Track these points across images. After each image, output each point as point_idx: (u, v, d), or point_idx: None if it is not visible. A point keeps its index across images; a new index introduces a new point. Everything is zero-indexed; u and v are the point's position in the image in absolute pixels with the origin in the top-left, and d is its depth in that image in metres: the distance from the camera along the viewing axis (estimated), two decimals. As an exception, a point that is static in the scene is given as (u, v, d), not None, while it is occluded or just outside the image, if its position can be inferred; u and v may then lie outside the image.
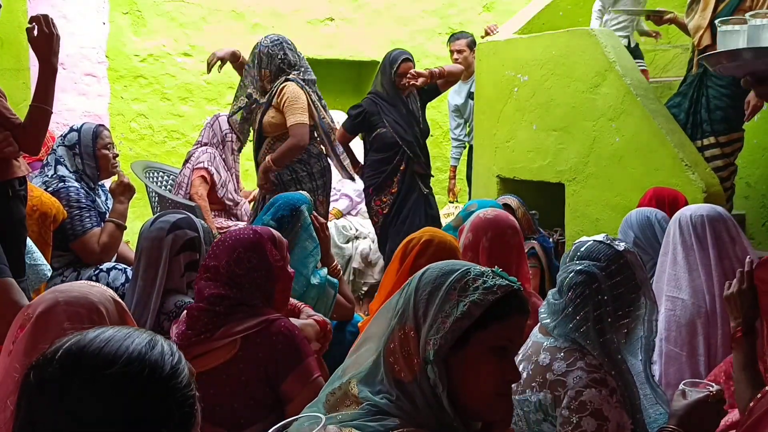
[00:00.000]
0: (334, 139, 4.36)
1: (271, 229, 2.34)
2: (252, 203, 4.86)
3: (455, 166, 6.19)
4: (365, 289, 5.24)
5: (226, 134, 5.04)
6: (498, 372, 1.37)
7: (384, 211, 4.78)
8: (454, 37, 5.78)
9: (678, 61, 5.43)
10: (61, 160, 3.38)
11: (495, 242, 2.50)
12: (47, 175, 3.35)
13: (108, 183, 3.61)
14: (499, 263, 2.43)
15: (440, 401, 1.35)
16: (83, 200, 3.31)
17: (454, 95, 5.99)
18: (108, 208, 3.48)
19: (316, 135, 4.27)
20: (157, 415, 0.96)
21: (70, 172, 3.37)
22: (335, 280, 2.97)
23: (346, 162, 4.42)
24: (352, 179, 4.61)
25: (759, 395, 1.73)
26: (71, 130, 3.48)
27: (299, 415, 1.31)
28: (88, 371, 0.95)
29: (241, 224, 4.79)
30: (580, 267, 1.87)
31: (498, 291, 1.36)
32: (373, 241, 5.16)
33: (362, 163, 4.95)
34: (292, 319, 2.26)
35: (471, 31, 5.89)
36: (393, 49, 4.99)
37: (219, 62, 4.45)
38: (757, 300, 2.00)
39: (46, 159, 3.44)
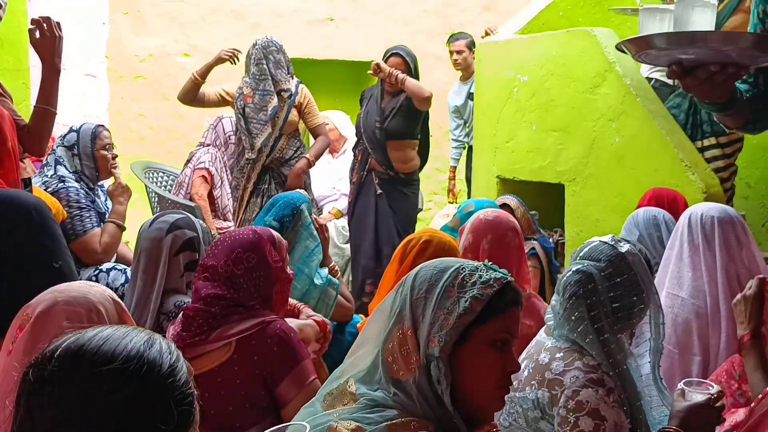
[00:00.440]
0: None
1: (271, 230, 2.34)
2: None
3: (455, 167, 6.19)
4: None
5: (229, 136, 5.07)
6: (499, 365, 1.39)
7: (350, 199, 4.92)
8: (453, 38, 5.78)
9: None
10: (61, 160, 3.38)
11: (495, 244, 2.50)
12: (47, 175, 3.35)
13: (107, 183, 3.61)
14: (499, 265, 2.45)
15: (440, 398, 1.36)
16: (83, 200, 3.31)
17: (453, 96, 5.99)
18: (107, 208, 3.48)
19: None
20: (155, 413, 0.96)
21: (70, 172, 3.36)
22: (336, 281, 2.97)
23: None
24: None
25: (760, 396, 1.73)
26: (71, 130, 3.48)
27: (283, 425, 1.32)
28: (87, 369, 0.95)
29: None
30: (578, 267, 1.87)
31: (495, 284, 1.39)
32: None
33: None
34: (291, 320, 2.26)
35: (471, 32, 5.90)
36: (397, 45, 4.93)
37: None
38: (762, 307, 2.02)
39: (46, 159, 3.44)
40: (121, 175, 3.54)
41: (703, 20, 1.59)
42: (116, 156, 3.54)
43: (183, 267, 2.53)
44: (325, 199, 5.62)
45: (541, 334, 1.95)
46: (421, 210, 6.18)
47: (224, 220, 5.03)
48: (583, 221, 4.08)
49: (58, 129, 2.93)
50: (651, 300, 1.87)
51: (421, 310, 1.38)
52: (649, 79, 4.02)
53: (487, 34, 5.44)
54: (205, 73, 4.47)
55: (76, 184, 3.33)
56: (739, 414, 2.00)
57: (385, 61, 4.67)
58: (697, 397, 1.76)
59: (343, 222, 5.31)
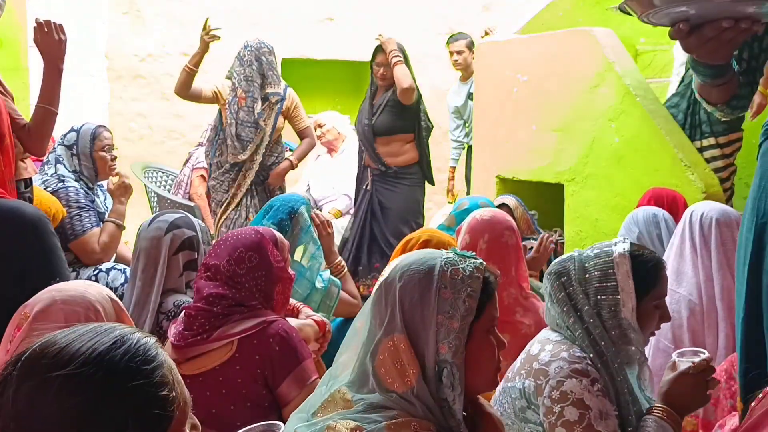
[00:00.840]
0: None
1: (273, 230, 2.33)
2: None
3: (454, 167, 6.20)
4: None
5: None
6: (494, 350, 1.45)
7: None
8: (452, 39, 5.78)
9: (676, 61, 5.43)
10: (61, 159, 3.38)
11: (492, 244, 2.49)
12: (47, 174, 3.34)
13: (108, 182, 3.59)
14: (497, 265, 2.45)
15: (443, 405, 1.36)
16: (82, 200, 3.30)
17: (453, 96, 5.98)
18: (107, 207, 3.48)
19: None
20: (112, 420, 0.91)
21: (69, 171, 3.36)
22: (338, 281, 2.97)
23: None
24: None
25: (760, 395, 1.73)
26: (71, 129, 3.47)
27: (255, 425, 1.32)
28: (40, 374, 0.92)
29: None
30: (565, 256, 1.89)
31: (479, 274, 1.42)
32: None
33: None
34: (290, 320, 2.26)
35: (471, 31, 5.89)
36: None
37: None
38: None
39: (47, 157, 3.44)
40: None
41: None
42: (115, 158, 3.52)
43: (182, 266, 2.53)
44: (324, 199, 5.62)
45: (544, 330, 1.96)
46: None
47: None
48: (583, 221, 4.08)
49: (58, 128, 2.93)
50: (626, 304, 1.81)
51: (419, 318, 1.38)
52: None
53: (486, 34, 5.43)
54: (197, 62, 4.43)
55: (76, 184, 3.33)
56: (736, 419, 2.00)
57: (372, 59, 4.67)
58: (683, 366, 1.76)
59: (343, 222, 5.31)
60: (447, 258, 1.44)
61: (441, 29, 6.90)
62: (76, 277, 3.23)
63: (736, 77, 1.86)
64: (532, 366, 1.78)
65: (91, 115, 5.87)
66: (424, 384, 1.36)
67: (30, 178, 2.84)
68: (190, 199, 4.96)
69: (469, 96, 5.59)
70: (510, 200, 4.00)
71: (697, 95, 1.96)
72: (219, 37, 4.44)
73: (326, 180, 5.68)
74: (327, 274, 2.96)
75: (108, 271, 3.25)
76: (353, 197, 5.46)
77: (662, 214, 2.96)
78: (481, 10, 7.13)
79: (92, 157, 3.41)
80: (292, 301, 2.58)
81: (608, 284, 1.79)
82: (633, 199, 3.50)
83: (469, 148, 5.69)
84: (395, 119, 4.66)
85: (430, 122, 4.90)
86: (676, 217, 3.01)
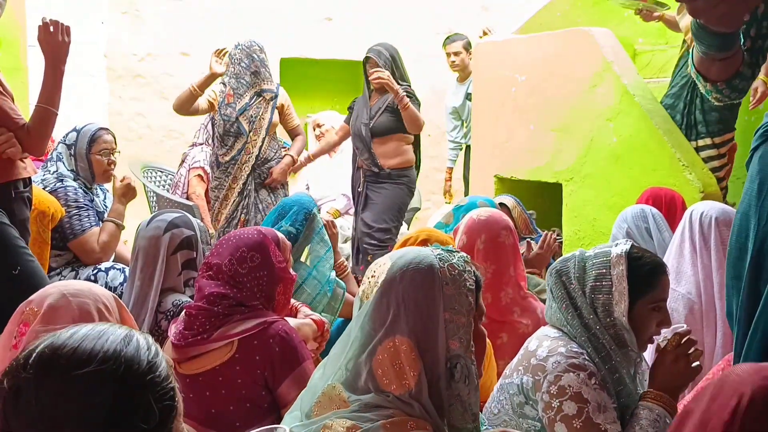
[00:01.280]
0: None
1: (276, 231, 2.34)
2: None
3: (451, 168, 6.21)
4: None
5: None
6: (485, 341, 1.50)
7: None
8: (449, 40, 5.78)
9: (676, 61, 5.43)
10: (61, 157, 3.37)
11: (489, 244, 2.50)
12: (49, 171, 3.34)
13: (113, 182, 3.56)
14: (494, 264, 2.47)
15: (451, 404, 1.38)
16: (81, 199, 3.30)
17: (451, 97, 5.99)
18: (106, 207, 3.47)
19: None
20: (137, 412, 0.94)
21: (68, 171, 3.36)
22: (342, 283, 2.98)
23: None
24: None
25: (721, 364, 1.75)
26: (73, 129, 3.44)
27: (260, 429, 1.32)
28: (62, 373, 0.94)
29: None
30: (567, 256, 1.90)
31: (469, 268, 1.44)
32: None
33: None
34: (288, 319, 2.26)
35: (468, 31, 5.90)
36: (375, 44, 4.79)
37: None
38: None
39: (50, 155, 3.43)
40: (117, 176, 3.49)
41: None
42: (114, 163, 3.45)
43: (181, 266, 2.53)
44: (323, 199, 5.62)
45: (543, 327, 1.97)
46: (419, 209, 6.18)
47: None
48: (581, 220, 4.08)
49: (57, 128, 2.92)
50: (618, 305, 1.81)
51: (426, 317, 1.38)
52: None
53: (485, 34, 5.43)
54: (204, 85, 4.44)
55: (74, 183, 3.32)
56: None
57: (366, 61, 4.67)
58: (662, 344, 1.79)
59: (342, 221, 5.32)
60: (439, 255, 1.45)
61: (439, 29, 6.91)
62: (76, 277, 3.23)
63: (742, 53, 1.73)
64: (530, 362, 1.79)
65: (90, 114, 5.87)
66: (425, 385, 1.36)
67: (29, 178, 2.83)
68: (187, 199, 4.95)
69: (467, 96, 5.59)
70: (508, 200, 4.00)
71: (693, 71, 1.83)
72: (225, 70, 4.45)
73: (325, 180, 5.68)
74: (333, 274, 2.97)
75: (107, 270, 3.25)
76: (352, 198, 5.48)
77: (650, 209, 3.00)
78: (479, 10, 7.14)
79: (88, 159, 3.36)
80: (291, 300, 2.59)
81: (603, 284, 1.80)
82: (631, 199, 3.51)
83: (468, 147, 5.69)
84: (395, 121, 4.66)
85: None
86: (675, 217, 3.02)
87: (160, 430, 0.96)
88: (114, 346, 0.96)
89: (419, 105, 4.60)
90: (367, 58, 4.68)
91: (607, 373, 1.76)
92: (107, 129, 3.52)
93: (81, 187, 3.34)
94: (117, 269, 3.26)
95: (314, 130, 5.79)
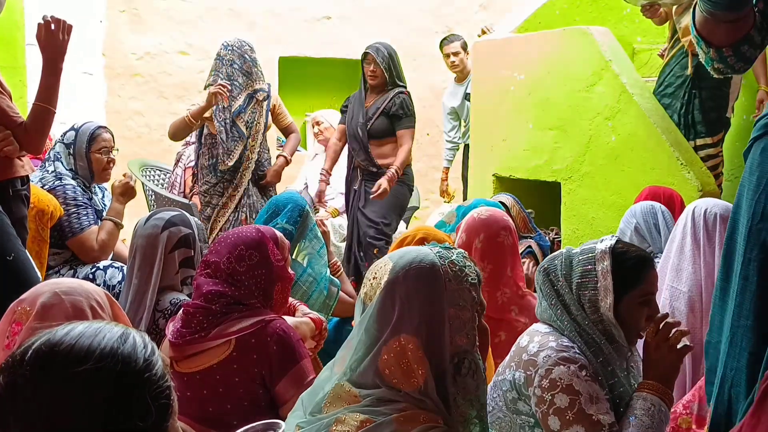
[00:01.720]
0: None
1: (274, 229, 2.33)
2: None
3: (448, 168, 6.21)
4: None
5: None
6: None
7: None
8: (447, 41, 5.77)
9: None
10: (59, 156, 3.37)
11: (488, 243, 2.50)
12: (47, 170, 3.33)
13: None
14: (491, 264, 2.46)
15: (456, 399, 1.39)
16: (80, 198, 3.29)
17: (449, 97, 5.99)
18: (105, 206, 3.47)
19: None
20: (133, 410, 0.94)
21: (66, 169, 3.35)
22: (337, 280, 2.98)
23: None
24: None
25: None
26: (71, 128, 3.43)
27: (256, 423, 1.32)
28: (60, 370, 0.93)
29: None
30: (555, 254, 1.91)
31: (469, 262, 1.45)
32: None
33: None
34: (286, 318, 2.26)
35: (467, 30, 5.90)
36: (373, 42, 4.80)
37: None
38: None
39: (48, 153, 3.42)
40: (115, 176, 3.47)
41: None
42: (113, 161, 3.44)
43: (178, 264, 2.53)
44: (322, 198, 5.61)
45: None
46: (418, 208, 6.18)
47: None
48: (579, 219, 4.09)
49: (55, 127, 2.92)
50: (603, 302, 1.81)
51: (432, 314, 1.39)
52: None
53: (483, 32, 5.43)
54: (198, 115, 4.31)
55: (73, 182, 3.32)
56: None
57: (364, 58, 4.65)
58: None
59: (341, 221, 5.31)
60: (438, 252, 1.46)
61: (438, 28, 6.91)
62: (74, 275, 3.23)
63: (754, 14, 1.51)
64: (521, 358, 1.80)
65: (88, 113, 5.87)
66: (433, 382, 1.37)
67: (27, 176, 2.83)
68: (185, 197, 4.94)
69: (466, 96, 5.59)
70: (507, 199, 4.00)
71: (694, 34, 1.61)
72: (224, 96, 4.26)
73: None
74: (327, 272, 2.96)
75: (105, 268, 3.25)
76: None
77: (659, 206, 3.02)
78: (478, 9, 7.13)
79: (88, 158, 3.36)
80: (289, 299, 2.58)
81: (589, 280, 1.80)
82: (629, 198, 3.51)
83: (466, 147, 5.69)
84: (391, 124, 4.67)
85: None
86: (673, 216, 3.02)
87: (156, 428, 0.96)
88: (111, 343, 0.96)
89: (414, 118, 4.66)
90: (365, 55, 4.68)
91: (599, 366, 1.76)
92: (106, 127, 3.51)
93: (80, 186, 3.34)
94: (115, 267, 3.26)
95: (313, 128, 5.78)
